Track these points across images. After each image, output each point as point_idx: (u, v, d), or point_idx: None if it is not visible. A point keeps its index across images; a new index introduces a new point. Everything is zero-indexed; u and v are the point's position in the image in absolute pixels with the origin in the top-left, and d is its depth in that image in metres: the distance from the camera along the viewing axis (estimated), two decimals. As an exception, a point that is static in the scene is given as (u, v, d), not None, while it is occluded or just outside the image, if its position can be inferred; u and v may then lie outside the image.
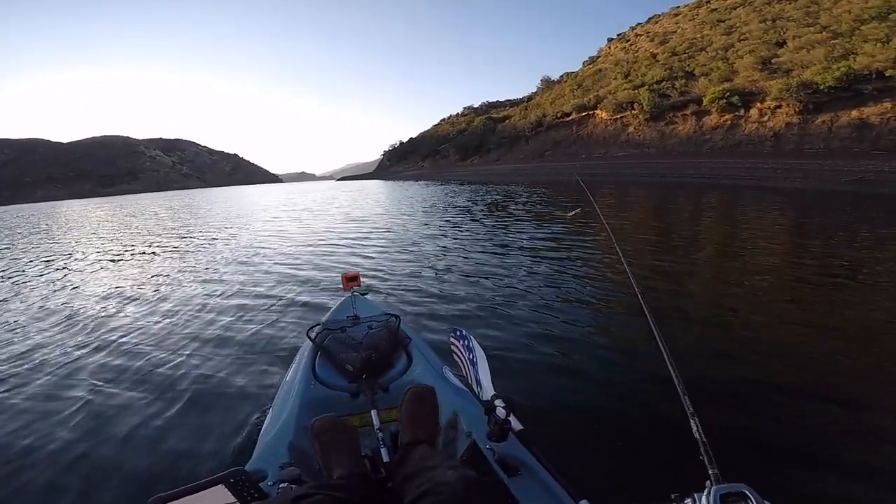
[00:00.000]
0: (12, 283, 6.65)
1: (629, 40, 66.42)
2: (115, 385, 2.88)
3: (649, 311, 1.27)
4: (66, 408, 2.62)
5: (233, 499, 0.91)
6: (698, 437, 0.81)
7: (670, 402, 1.17)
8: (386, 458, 1.21)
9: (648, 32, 63.64)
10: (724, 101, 33.23)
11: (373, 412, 1.43)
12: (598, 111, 47.02)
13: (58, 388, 2.93)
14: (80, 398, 2.74)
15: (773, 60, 35.43)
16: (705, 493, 0.66)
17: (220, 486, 0.91)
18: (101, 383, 2.93)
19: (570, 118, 50.20)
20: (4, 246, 11.59)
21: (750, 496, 0.63)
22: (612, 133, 43.64)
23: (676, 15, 63.81)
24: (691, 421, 0.85)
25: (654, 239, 6.96)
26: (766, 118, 29.95)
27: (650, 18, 70.69)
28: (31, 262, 8.48)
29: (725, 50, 42.99)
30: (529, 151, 52.96)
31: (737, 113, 32.40)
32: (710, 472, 0.73)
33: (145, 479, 1.91)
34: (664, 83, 42.18)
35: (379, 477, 1.15)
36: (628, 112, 42.61)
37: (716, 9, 55.28)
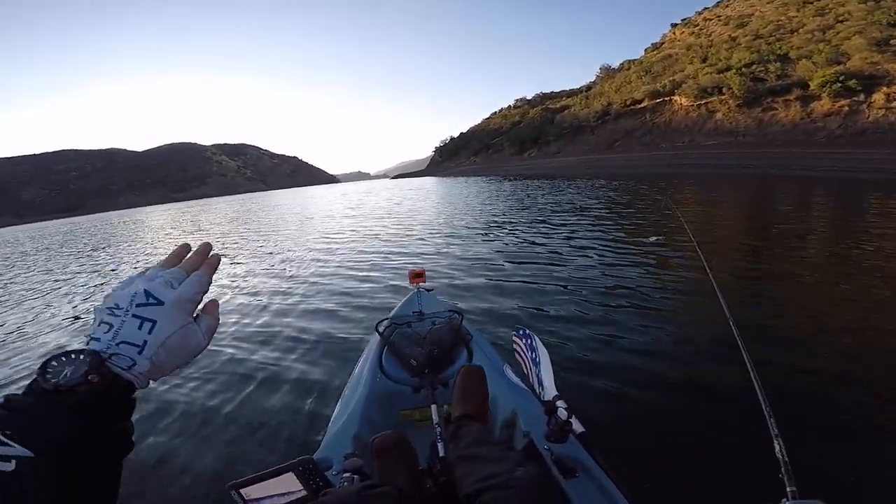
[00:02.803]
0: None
1: (697, 25, 62.91)
2: (195, 381, 3.00)
3: (736, 327, 1.21)
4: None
5: (300, 486, 0.94)
6: (780, 456, 0.80)
7: (749, 419, 1.12)
8: (443, 453, 1.19)
9: (720, 16, 59.94)
10: (839, 84, 30.46)
11: (433, 407, 1.42)
12: (676, 97, 44.37)
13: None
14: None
15: (891, 42, 32.49)
16: None
17: (289, 473, 0.93)
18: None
19: (643, 105, 47.67)
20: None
21: None
22: (696, 120, 41.01)
23: (749, -2, 60.45)
24: (775, 441, 0.84)
25: (750, 246, 5.95)
26: (895, 104, 27.24)
27: (719, 2, 67.09)
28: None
29: (823, 31, 39.84)
30: (596, 142, 50.64)
31: (855, 98, 29.47)
32: (788, 489, 0.74)
33: (222, 465, 2.05)
34: (755, 66, 39.37)
35: (439, 481, 1.13)
36: (715, 97, 39.89)
37: (798, -10, 51.86)
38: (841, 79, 30.54)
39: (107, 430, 0.36)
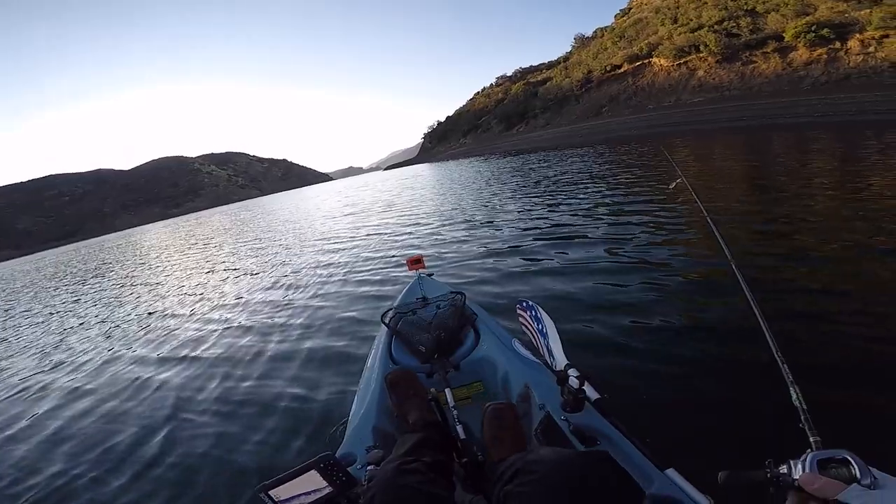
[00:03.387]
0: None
1: (660, -15, 64.90)
2: (211, 394, 3.03)
3: (743, 279, 1.18)
4: (166, 402, 3.03)
5: (324, 482, 0.98)
6: (798, 404, 0.78)
7: (765, 369, 1.09)
8: (463, 436, 1.23)
9: (681, -25, 62.23)
10: (812, 34, 32.68)
11: (447, 391, 1.45)
12: (654, 59, 46.05)
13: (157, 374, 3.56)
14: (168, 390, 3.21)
15: (852, -11, 34.98)
16: (801, 458, 0.63)
17: (312, 471, 0.98)
18: (191, 387, 3.21)
19: (623, 70, 49.19)
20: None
21: (852, 461, 0.58)
22: (678, 79, 42.88)
23: (705, -45, 62.43)
24: (791, 388, 0.83)
25: (752, 195, 5.89)
26: (871, 49, 29.35)
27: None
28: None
29: (784, -16, 42.31)
30: (583, 110, 52.01)
31: (831, 46, 31.71)
32: (811, 439, 0.71)
33: (253, 467, 2.10)
34: (727, 23, 41.39)
35: (461, 461, 1.18)
36: (693, 56, 41.71)
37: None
38: (813, 28, 32.62)
39: None
